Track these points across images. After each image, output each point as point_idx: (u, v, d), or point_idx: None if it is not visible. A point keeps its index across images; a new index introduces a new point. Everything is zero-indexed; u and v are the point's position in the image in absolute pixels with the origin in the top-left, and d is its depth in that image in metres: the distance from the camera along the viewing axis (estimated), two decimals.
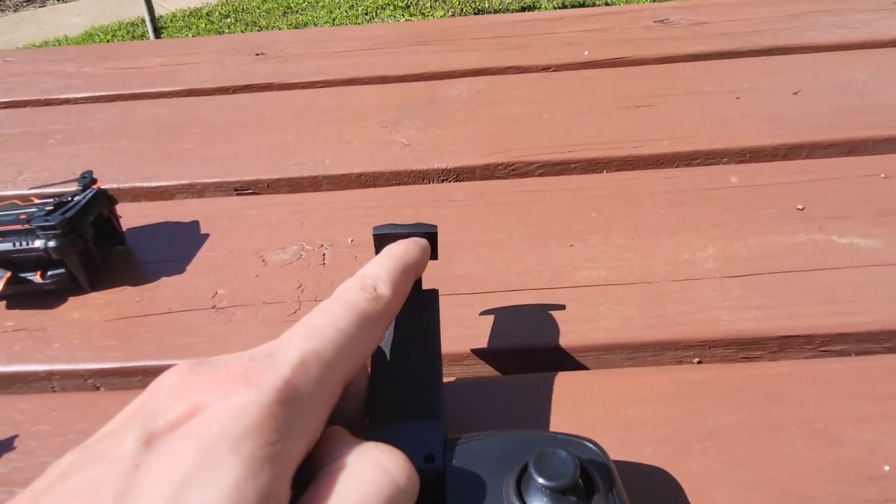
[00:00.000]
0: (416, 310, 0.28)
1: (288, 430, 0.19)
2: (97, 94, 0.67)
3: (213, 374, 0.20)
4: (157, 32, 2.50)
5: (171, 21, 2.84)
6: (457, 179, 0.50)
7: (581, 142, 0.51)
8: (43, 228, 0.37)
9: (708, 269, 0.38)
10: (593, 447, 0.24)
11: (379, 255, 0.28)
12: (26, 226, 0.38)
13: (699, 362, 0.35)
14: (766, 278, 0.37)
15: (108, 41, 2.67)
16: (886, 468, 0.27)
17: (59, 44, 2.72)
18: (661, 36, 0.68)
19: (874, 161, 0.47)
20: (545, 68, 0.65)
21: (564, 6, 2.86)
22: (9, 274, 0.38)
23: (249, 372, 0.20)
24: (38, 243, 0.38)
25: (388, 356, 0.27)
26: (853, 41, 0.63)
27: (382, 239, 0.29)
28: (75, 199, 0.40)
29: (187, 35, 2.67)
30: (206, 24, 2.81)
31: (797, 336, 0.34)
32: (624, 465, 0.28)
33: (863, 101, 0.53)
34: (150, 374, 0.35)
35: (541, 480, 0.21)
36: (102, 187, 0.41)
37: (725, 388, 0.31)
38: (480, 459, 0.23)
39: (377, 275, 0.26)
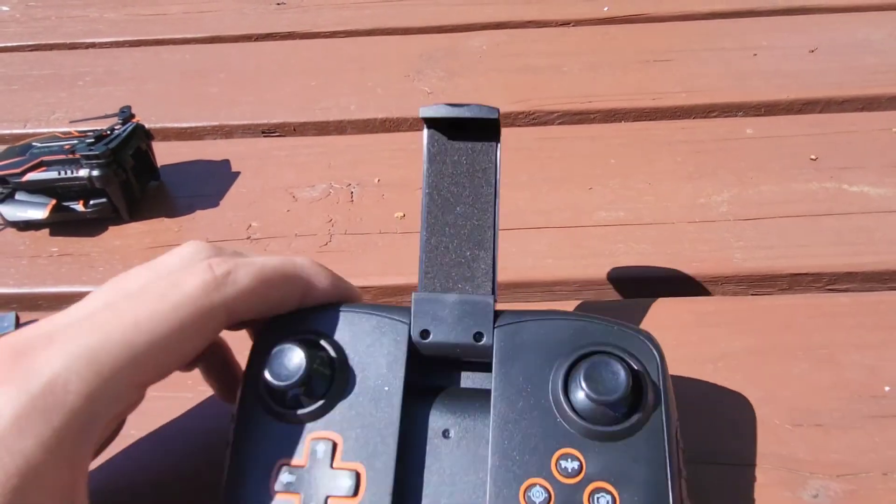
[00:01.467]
0: (472, 165, 0.25)
1: (7, 493, 0.16)
2: (122, 39, 0.67)
3: None
4: None
5: None
6: None
7: (600, 93, 0.53)
8: (87, 158, 0.39)
9: (723, 212, 0.40)
10: (647, 344, 0.23)
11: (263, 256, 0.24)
12: (70, 156, 0.40)
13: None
14: (778, 221, 0.39)
15: None
16: (887, 388, 0.29)
17: None
18: None
19: (887, 116, 0.48)
20: (565, 23, 0.65)
21: None
22: (54, 201, 0.40)
23: (4, 371, 0.17)
24: (83, 172, 0.39)
25: (440, 216, 0.25)
26: (870, 3, 0.64)
27: (433, 124, 0.25)
28: (115, 131, 0.41)
29: None
30: None
31: (806, 274, 0.36)
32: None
33: (877, 60, 0.54)
34: None
35: (591, 394, 0.21)
36: (140, 122, 0.43)
37: (738, 317, 0.33)
38: (530, 343, 0.23)
39: (236, 259, 0.22)
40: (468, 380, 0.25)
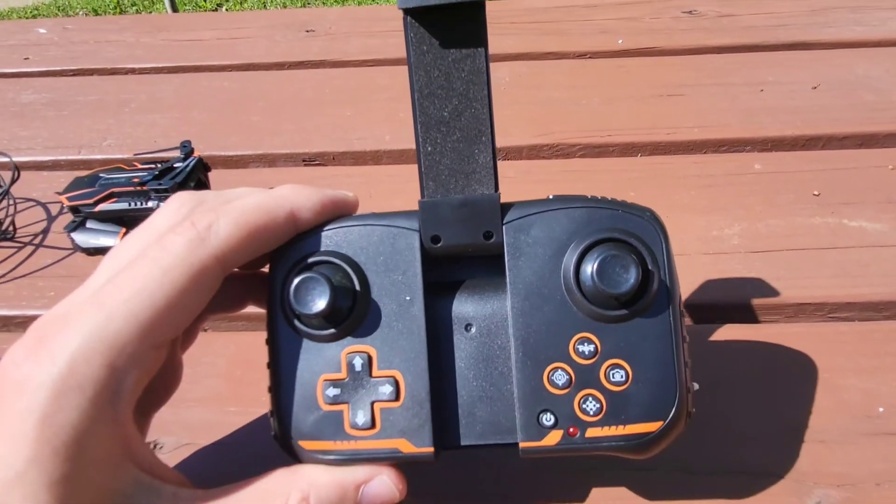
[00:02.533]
0: (459, 56, 0.24)
1: (69, 458, 0.19)
2: (161, 65, 0.71)
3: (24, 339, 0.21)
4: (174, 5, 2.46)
5: None
6: (505, 158, 0.55)
7: (618, 127, 0.57)
8: (156, 191, 0.43)
9: (734, 244, 0.44)
10: (652, 225, 0.24)
11: (243, 189, 0.25)
12: (139, 188, 0.43)
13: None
14: (784, 254, 0.43)
15: (118, 13, 2.67)
16: (881, 409, 0.33)
17: (66, 10, 2.73)
18: (689, 27, 0.72)
19: (884, 153, 0.52)
20: (581, 55, 0.69)
21: None
22: (123, 230, 0.44)
23: (31, 358, 0.20)
24: (151, 204, 0.43)
25: (432, 115, 0.25)
26: (871, 39, 0.68)
27: (414, 15, 0.23)
28: (177, 165, 0.45)
29: (206, 8, 2.68)
30: None
31: (810, 304, 0.40)
32: None
33: (876, 98, 0.58)
34: (253, 319, 0.41)
35: (603, 287, 0.23)
36: (200, 156, 0.47)
37: (747, 343, 0.37)
38: (540, 236, 0.24)
39: (217, 209, 0.23)
40: (483, 269, 0.26)
